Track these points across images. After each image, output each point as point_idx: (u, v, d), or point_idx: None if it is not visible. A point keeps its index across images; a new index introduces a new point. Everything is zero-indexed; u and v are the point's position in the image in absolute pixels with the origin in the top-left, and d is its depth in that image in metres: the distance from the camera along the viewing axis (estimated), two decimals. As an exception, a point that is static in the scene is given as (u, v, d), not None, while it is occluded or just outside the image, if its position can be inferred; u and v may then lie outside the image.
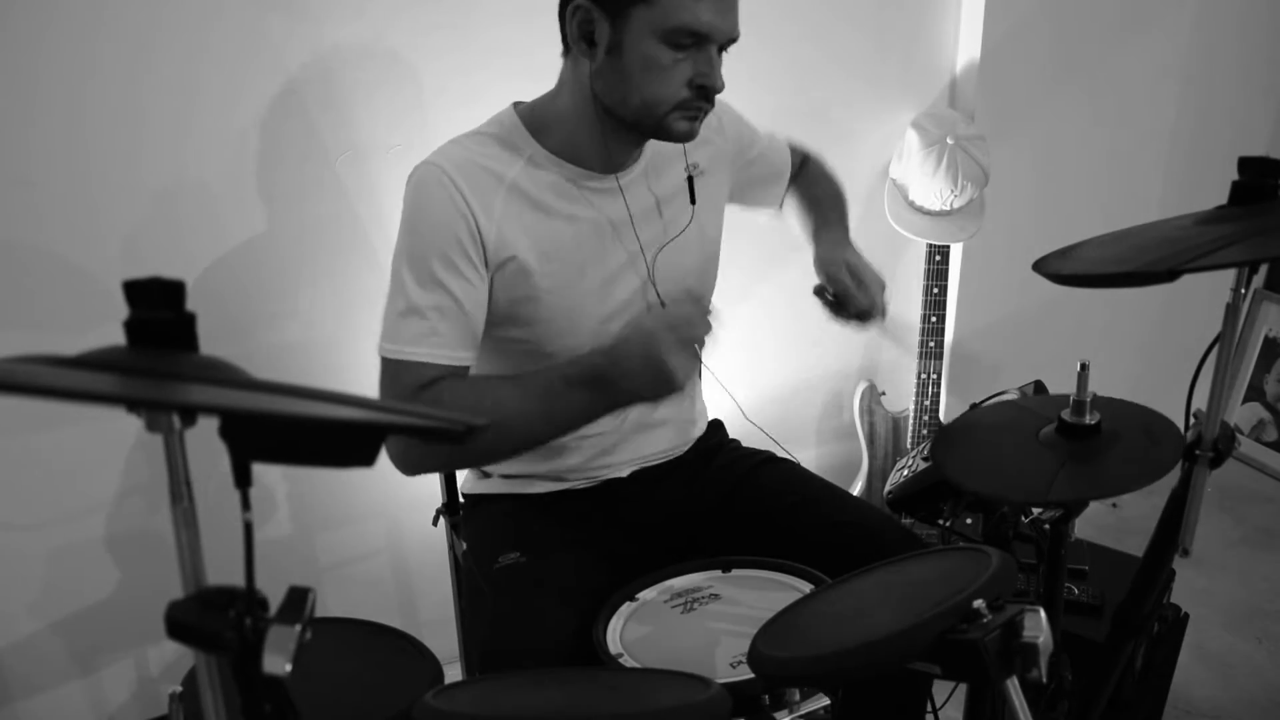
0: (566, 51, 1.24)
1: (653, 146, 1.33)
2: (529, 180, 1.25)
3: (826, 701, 1.18)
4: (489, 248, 1.22)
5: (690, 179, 1.36)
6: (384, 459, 0.83)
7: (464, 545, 1.45)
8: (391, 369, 1.22)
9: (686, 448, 1.49)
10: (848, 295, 1.33)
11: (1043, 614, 0.79)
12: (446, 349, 1.22)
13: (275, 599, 0.62)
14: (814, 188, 1.56)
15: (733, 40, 1.19)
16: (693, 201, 1.36)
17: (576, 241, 1.28)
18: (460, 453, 1.26)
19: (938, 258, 2.14)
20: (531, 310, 1.27)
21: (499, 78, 1.70)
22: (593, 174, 1.28)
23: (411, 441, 1.20)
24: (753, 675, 0.98)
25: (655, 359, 1.10)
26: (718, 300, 1.46)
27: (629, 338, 1.13)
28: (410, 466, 1.23)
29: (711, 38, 1.15)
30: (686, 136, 1.23)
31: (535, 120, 1.27)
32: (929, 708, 1.36)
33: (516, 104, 1.30)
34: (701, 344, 1.14)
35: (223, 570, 0.64)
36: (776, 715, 1.05)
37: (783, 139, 1.57)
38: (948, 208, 2.10)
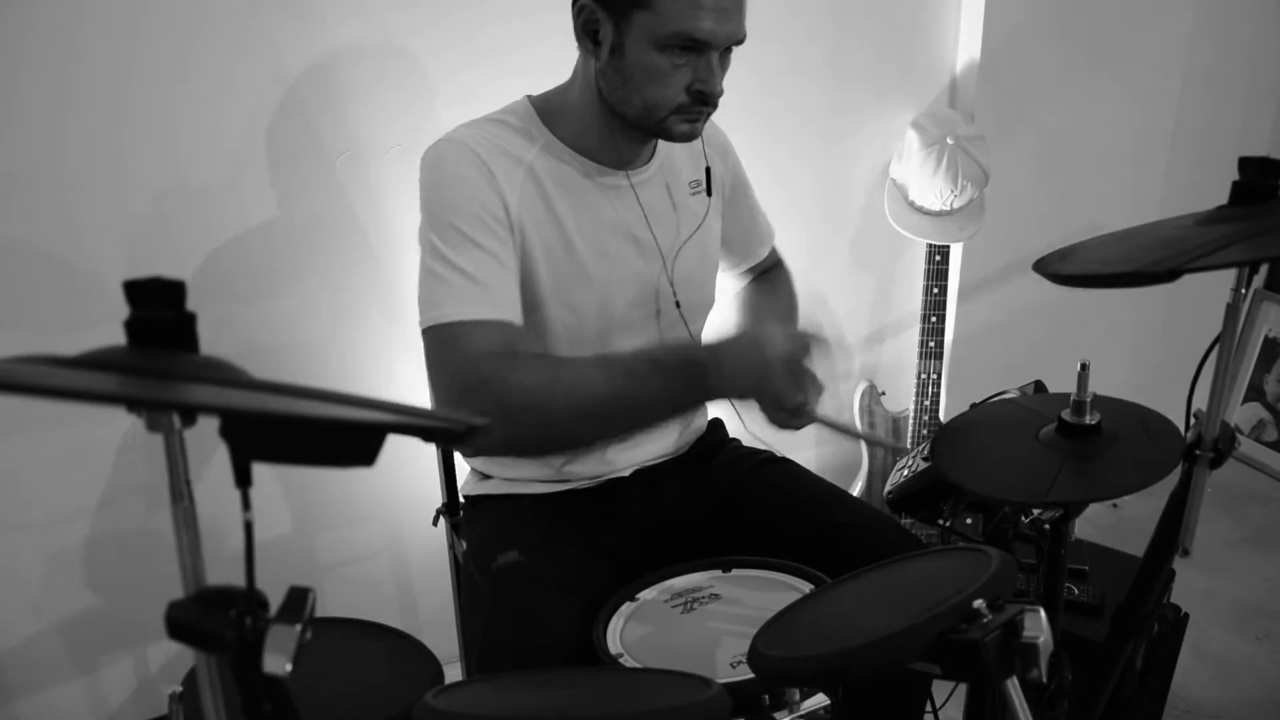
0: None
1: (666, 147, 1.33)
2: (544, 166, 1.25)
3: (826, 701, 1.18)
4: (513, 216, 1.20)
5: (709, 170, 1.36)
6: (384, 458, 0.79)
7: (464, 546, 1.45)
8: (442, 336, 1.12)
9: (687, 447, 1.49)
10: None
11: (1043, 614, 0.79)
12: (493, 307, 1.14)
13: (275, 599, 0.62)
14: (770, 299, 1.54)
15: (737, 43, 1.18)
16: (709, 193, 1.36)
17: (582, 234, 1.28)
18: (525, 432, 1.11)
19: (938, 258, 2.14)
20: (531, 297, 1.27)
21: (499, 76, 1.69)
22: (604, 168, 1.28)
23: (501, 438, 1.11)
24: (753, 675, 0.98)
25: (765, 365, 1.05)
26: (719, 300, 1.47)
27: (741, 339, 1.09)
28: (477, 450, 1.25)
29: (711, 44, 1.15)
30: (687, 138, 1.23)
31: (548, 111, 1.28)
32: (929, 708, 1.36)
33: (530, 96, 1.30)
34: (808, 379, 1.07)
35: (223, 570, 0.64)
36: (776, 715, 1.05)
37: (774, 232, 1.58)
38: (948, 208, 2.10)
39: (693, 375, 1.08)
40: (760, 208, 1.56)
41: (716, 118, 1.35)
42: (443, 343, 1.12)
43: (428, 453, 1.72)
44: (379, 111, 1.69)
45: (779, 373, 1.05)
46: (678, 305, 1.36)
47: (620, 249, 1.31)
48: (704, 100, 1.19)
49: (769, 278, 1.59)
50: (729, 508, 1.42)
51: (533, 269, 1.24)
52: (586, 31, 1.18)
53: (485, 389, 1.08)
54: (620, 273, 1.31)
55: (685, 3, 1.12)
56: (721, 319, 1.51)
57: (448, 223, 1.16)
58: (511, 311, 1.16)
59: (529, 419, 1.08)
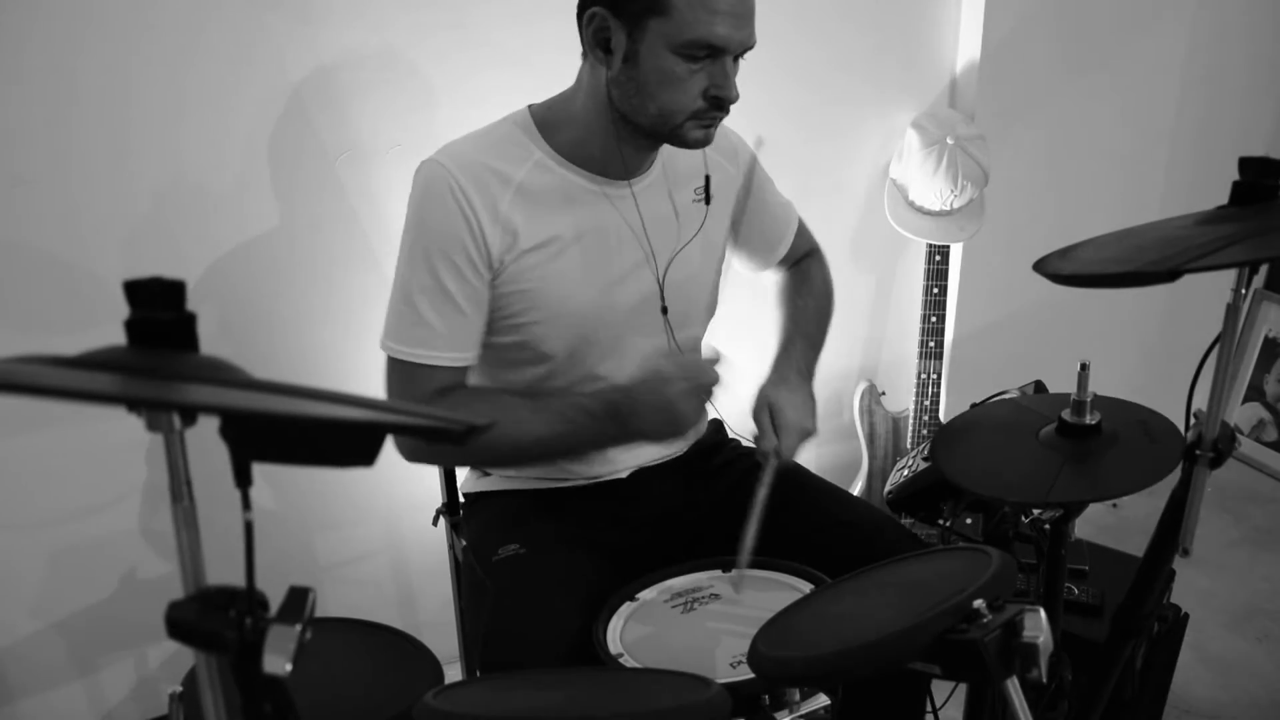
0: (586, 54, 1.23)
1: (668, 155, 1.33)
2: (536, 182, 1.25)
3: (826, 701, 1.18)
4: (493, 251, 1.23)
5: (708, 178, 1.36)
6: (384, 458, 0.84)
7: (464, 543, 1.45)
8: (400, 370, 1.25)
9: (687, 448, 1.49)
10: (761, 432, 1.30)
11: (1043, 614, 0.79)
12: (449, 350, 1.24)
13: (275, 599, 0.62)
14: (803, 295, 1.53)
15: (748, 49, 1.19)
16: (708, 201, 1.36)
17: (581, 246, 1.28)
18: (466, 455, 1.33)
19: (938, 258, 2.14)
20: (533, 313, 1.27)
21: (498, 78, 1.70)
22: (603, 179, 1.28)
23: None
24: (753, 675, 0.98)
25: (667, 403, 1.18)
26: (720, 300, 1.47)
27: (645, 380, 1.20)
28: (413, 455, 1.27)
29: (727, 50, 1.16)
30: (701, 143, 1.24)
31: (548, 121, 1.27)
32: (929, 708, 1.36)
33: (531, 105, 1.30)
34: (710, 394, 1.21)
35: (223, 570, 0.64)
36: (776, 715, 1.05)
37: (797, 219, 1.56)
38: (948, 208, 2.10)
39: (613, 419, 1.21)
40: (779, 200, 1.53)
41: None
42: (398, 373, 1.26)
43: (428, 453, 1.72)
44: (379, 112, 1.69)
45: (681, 406, 1.18)
46: (664, 311, 1.35)
47: (619, 257, 1.31)
48: (719, 105, 1.19)
49: (800, 273, 1.57)
50: (729, 508, 1.42)
51: (529, 285, 1.25)
52: (597, 40, 1.18)
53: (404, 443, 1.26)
54: (620, 281, 1.31)
55: (702, 9, 1.12)
56: (730, 320, 1.52)
57: (422, 257, 1.23)
58: (459, 354, 1.26)
59: (469, 452, 1.30)
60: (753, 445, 1.53)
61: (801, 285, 1.55)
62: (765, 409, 1.30)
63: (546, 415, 1.23)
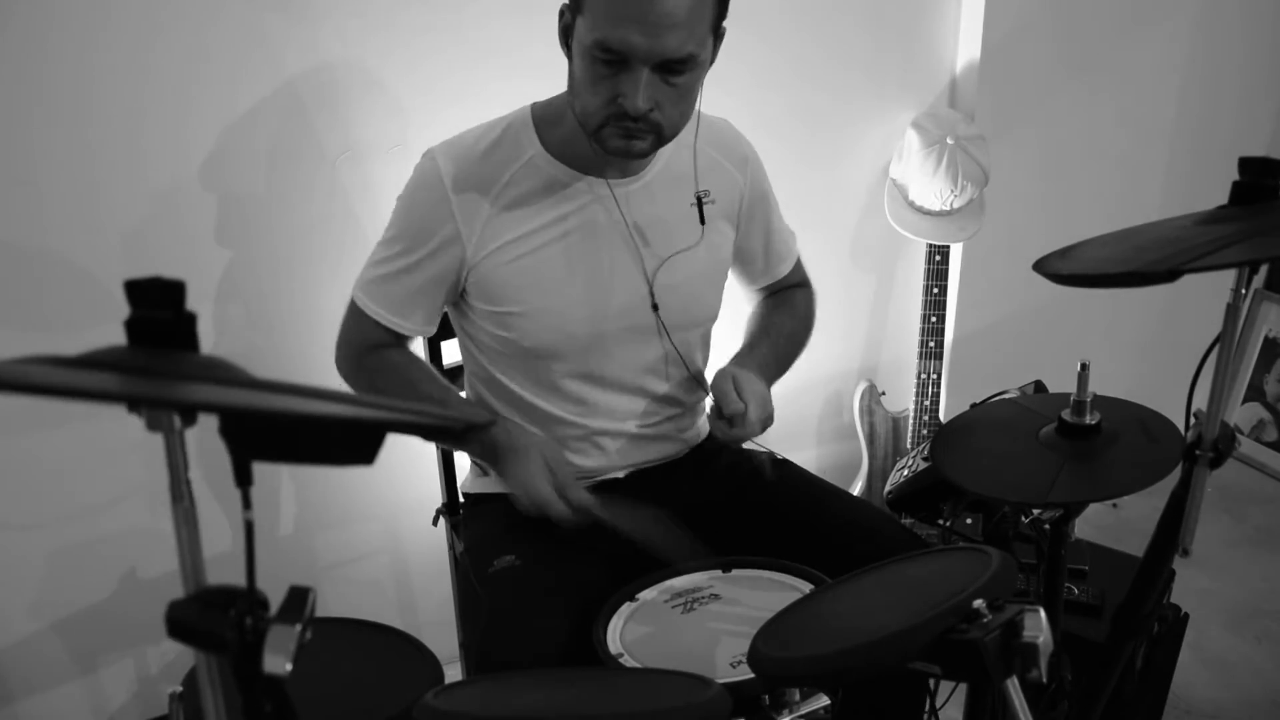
0: None
1: (670, 156, 1.32)
2: (525, 180, 1.26)
3: (826, 701, 1.18)
4: (469, 249, 1.27)
5: (700, 200, 1.35)
6: (384, 457, 0.84)
7: (462, 546, 1.45)
8: (354, 313, 1.36)
9: (686, 450, 1.49)
10: (723, 398, 1.27)
11: (1043, 614, 0.79)
12: (389, 310, 1.32)
13: (275, 599, 0.62)
14: (781, 314, 1.51)
15: (675, 61, 1.13)
16: (702, 221, 1.35)
17: (565, 242, 1.28)
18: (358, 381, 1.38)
19: (938, 258, 2.14)
20: (511, 305, 1.29)
21: (498, 77, 1.70)
22: (592, 177, 1.28)
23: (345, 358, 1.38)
24: (753, 675, 0.98)
25: (523, 480, 1.22)
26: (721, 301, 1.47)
27: (530, 454, 1.23)
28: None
29: (632, 57, 1.12)
30: (623, 154, 1.20)
31: (546, 119, 1.28)
32: (929, 707, 1.36)
33: (534, 103, 1.31)
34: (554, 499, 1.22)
35: (223, 570, 0.64)
36: (776, 715, 1.05)
37: (797, 251, 1.53)
38: (948, 208, 2.10)
39: (486, 444, 1.28)
40: (783, 226, 1.50)
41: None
42: (352, 316, 1.37)
43: (428, 453, 1.72)
44: (379, 111, 1.69)
45: (530, 487, 1.22)
46: (657, 315, 1.35)
47: (605, 255, 1.31)
48: (624, 115, 1.15)
49: (784, 297, 1.54)
50: (729, 508, 1.42)
51: (508, 276, 1.27)
52: (563, 35, 1.20)
53: (340, 365, 1.40)
54: (605, 278, 1.31)
55: (608, 13, 1.10)
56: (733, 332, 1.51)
57: (399, 231, 1.32)
58: (402, 319, 1.33)
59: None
60: (755, 449, 1.53)
61: (782, 305, 1.53)
62: (729, 378, 1.29)
63: (425, 395, 1.32)
